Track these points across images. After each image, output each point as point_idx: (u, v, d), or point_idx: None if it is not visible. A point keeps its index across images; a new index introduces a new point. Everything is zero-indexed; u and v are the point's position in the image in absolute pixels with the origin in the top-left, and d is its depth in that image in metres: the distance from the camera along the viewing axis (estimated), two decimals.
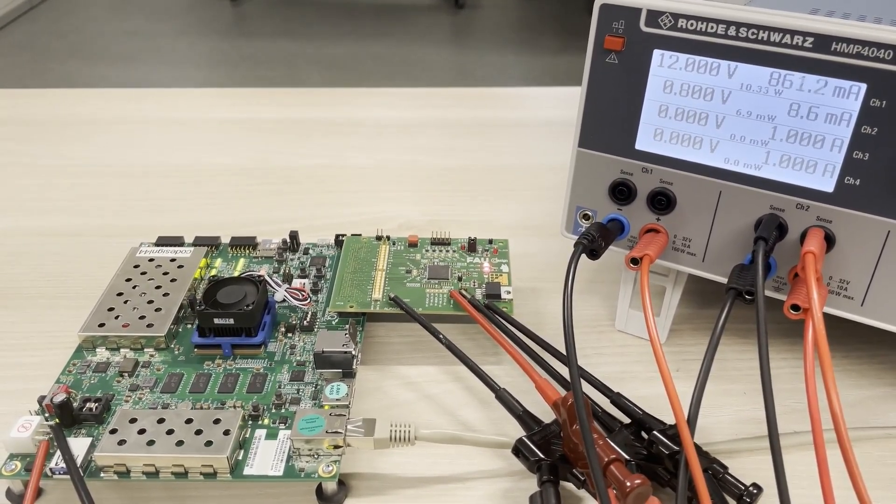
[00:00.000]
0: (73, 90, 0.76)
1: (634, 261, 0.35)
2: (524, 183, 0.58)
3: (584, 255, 0.35)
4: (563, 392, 0.35)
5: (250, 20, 2.48)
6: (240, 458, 0.32)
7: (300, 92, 0.77)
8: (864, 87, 0.30)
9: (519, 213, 0.54)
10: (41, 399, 0.35)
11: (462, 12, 2.56)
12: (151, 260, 0.44)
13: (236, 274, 0.44)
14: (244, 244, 0.46)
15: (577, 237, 0.35)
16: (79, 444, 0.32)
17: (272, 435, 0.33)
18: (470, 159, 0.62)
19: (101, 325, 0.39)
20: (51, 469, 0.31)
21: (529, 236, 0.50)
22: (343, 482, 0.33)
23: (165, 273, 0.42)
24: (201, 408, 0.35)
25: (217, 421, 0.33)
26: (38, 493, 0.33)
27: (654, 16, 0.33)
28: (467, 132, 0.66)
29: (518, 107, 0.73)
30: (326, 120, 0.68)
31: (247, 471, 0.32)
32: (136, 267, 0.43)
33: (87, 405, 0.34)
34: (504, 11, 2.60)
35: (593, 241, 0.35)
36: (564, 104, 0.72)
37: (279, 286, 0.41)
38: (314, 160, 0.61)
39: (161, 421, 0.33)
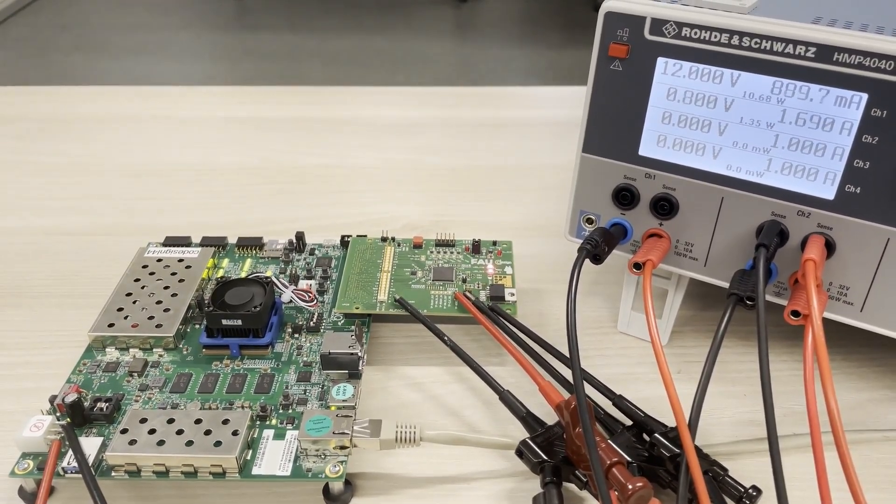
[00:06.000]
0: (79, 88, 0.76)
1: (637, 266, 0.36)
2: (528, 183, 0.59)
3: (587, 260, 0.35)
4: (566, 394, 0.35)
5: (253, 14, 2.48)
6: (248, 458, 0.33)
7: (306, 90, 0.77)
8: (865, 96, 0.30)
9: (523, 214, 0.54)
10: (53, 398, 0.35)
11: (465, 6, 2.56)
12: (160, 260, 0.44)
13: (243, 274, 0.44)
14: (251, 244, 0.47)
15: (580, 241, 0.36)
16: (90, 444, 0.33)
17: (280, 435, 0.34)
18: (474, 159, 0.62)
19: (111, 325, 0.39)
20: (63, 468, 0.32)
21: (533, 237, 0.51)
22: (349, 482, 0.34)
23: (174, 273, 0.43)
24: (210, 408, 0.35)
25: (226, 421, 0.33)
26: (51, 491, 0.33)
27: (658, 24, 0.33)
28: (472, 132, 0.67)
29: (522, 106, 0.74)
30: (332, 119, 0.69)
31: (255, 470, 0.32)
32: (144, 267, 0.44)
33: (98, 405, 0.35)
34: (507, 5, 2.60)
35: (597, 247, 0.35)
36: (569, 104, 0.72)
37: (286, 287, 0.41)
38: (319, 159, 0.62)
39: (171, 421, 0.33)
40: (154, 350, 0.39)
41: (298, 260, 0.46)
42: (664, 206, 0.36)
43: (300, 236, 0.47)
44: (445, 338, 0.39)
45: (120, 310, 0.40)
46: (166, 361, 0.38)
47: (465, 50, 2.25)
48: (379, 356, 0.41)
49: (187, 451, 0.32)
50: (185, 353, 0.39)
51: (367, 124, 0.68)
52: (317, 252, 0.47)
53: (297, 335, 0.40)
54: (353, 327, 0.40)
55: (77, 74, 1.98)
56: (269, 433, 0.34)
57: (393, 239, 0.47)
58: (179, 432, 0.33)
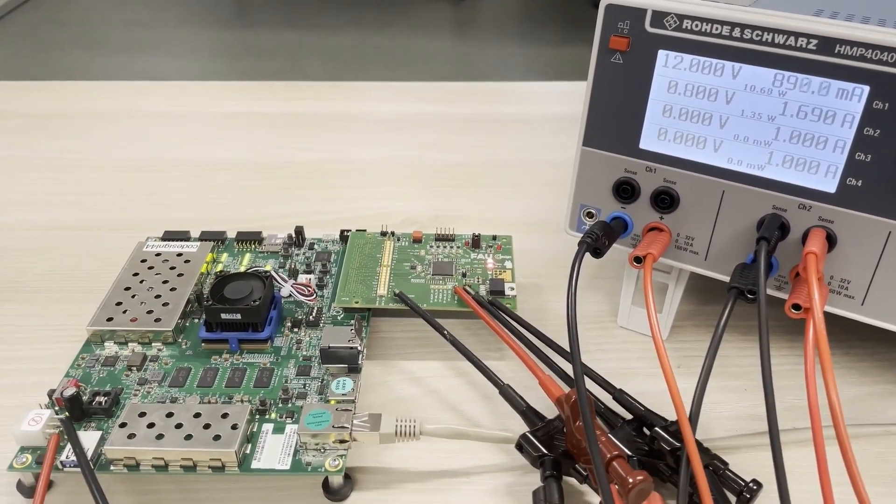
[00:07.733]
0: (77, 83, 0.76)
1: (638, 259, 0.36)
2: (528, 178, 0.58)
3: (587, 254, 0.35)
4: (566, 388, 0.35)
5: (252, 10, 2.48)
6: (247, 451, 0.33)
7: (305, 86, 0.77)
8: (867, 89, 0.30)
9: (523, 209, 0.54)
10: (51, 392, 0.35)
11: (464, 3, 2.55)
12: (158, 254, 0.44)
13: (242, 269, 0.44)
14: (250, 239, 0.46)
15: (580, 235, 0.36)
16: (89, 438, 0.33)
17: (279, 429, 0.34)
18: (474, 154, 0.62)
19: (110, 319, 0.39)
20: (61, 462, 0.32)
21: (533, 232, 0.50)
22: (349, 476, 0.34)
23: (172, 268, 0.43)
24: (209, 402, 0.35)
25: (225, 415, 0.33)
26: (49, 485, 0.33)
27: (659, 16, 0.33)
28: (471, 127, 0.66)
29: (522, 102, 0.73)
30: (331, 114, 0.68)
31: (254, 464, 0.32)
32: (143, 261, 0.43)
33: (97, 399, 0.35)
34: (506, 2, 2.59)
35: (597, 240, 0.35)
36: (569, 99, 0.72)
37: (285, 282, 0.41)
38: (319, 155, 0.62)
39: (170, 415, 0.33)
40: (153, 344, 0.39)
41: (298, 254, 0.46)
42: (665, 200, 0.36)
43: (299, 231, 0.47)
44: (445, 332, 0.39)
45: (119, 304, 0.40)
46: (165, 356, 0.38)
47: (464, 47, 2.24)
48: (378, 350, 0.41)
49: (186, 445, 0.32)
50: (184, 347, 0.39)
51: (366, 120, 0.68)
52: (316, 247, 0.47)
53: (296, 329, 0.40)
54: (352, 322, 0.39)
55: (76, 71, 1.98)
56: (268, 427, 0.34)
57: (392, 233, 0.47)
58: (178, 426, 0.33)
